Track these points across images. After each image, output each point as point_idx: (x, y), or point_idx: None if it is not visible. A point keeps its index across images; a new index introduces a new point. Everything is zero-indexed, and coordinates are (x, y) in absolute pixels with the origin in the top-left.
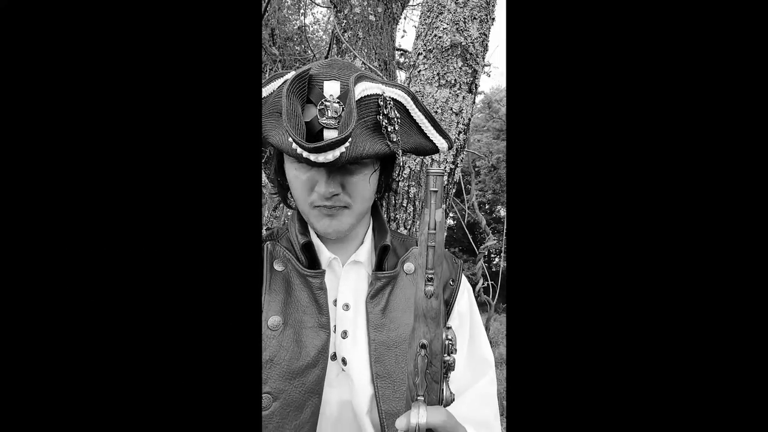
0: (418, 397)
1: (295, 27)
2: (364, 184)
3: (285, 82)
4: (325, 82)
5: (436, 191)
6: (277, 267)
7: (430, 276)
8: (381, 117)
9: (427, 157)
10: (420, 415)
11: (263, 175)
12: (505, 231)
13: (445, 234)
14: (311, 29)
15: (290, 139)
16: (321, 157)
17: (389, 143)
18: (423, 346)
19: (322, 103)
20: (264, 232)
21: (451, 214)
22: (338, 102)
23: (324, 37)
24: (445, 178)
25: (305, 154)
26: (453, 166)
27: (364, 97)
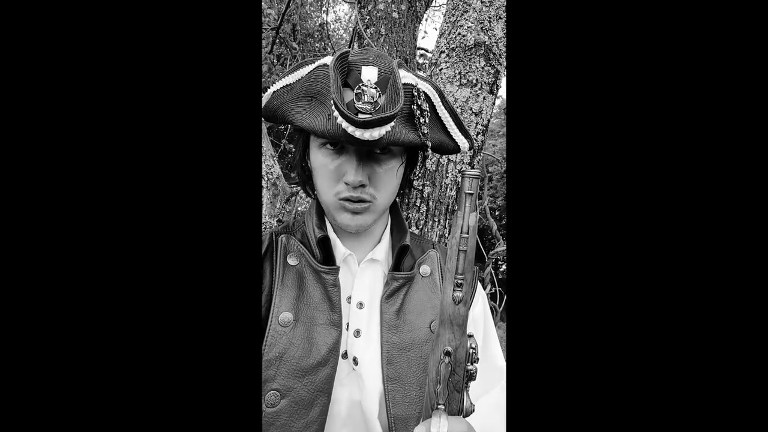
0: (439, 406)
1: (317, 24)
2: (391, 176)
3: (319, 66)
4: (363, 67)
5: (471, 194)
6: (291, 261)
7: (459, 281)
8: (415, 107)
9: (443, 156)
10: (441, 424)
11: (277, 167)
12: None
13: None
14: (332, 27)
15: (336, 114)
16: (367, 134)
17: (421, 134)
18: (447, 354)
19: (360, 87)
20: (275, 224)
21: None
22: (375, 88)
23: (345, 36)
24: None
25: (350, 129)
26: (469, 168)
27: (401, 84)
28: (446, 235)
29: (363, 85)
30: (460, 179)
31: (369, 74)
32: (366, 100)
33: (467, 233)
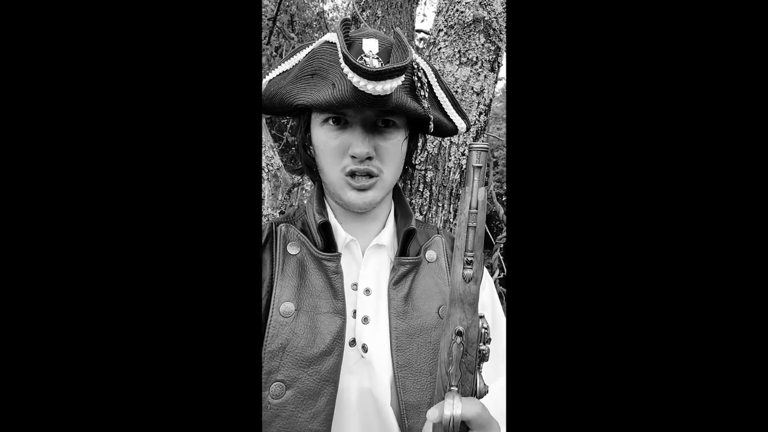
0: (452, 387)
1: (315, 13)
2: (396, 150)
3: (316, 47)
4: (363, 39)
5: (480, 167)
6: (291, 250)
7: (469, 259)
8: (416, 79)
9: (445, 139)
10: (455, 406)
11: (278, 158)
12: (505, 226)
13: (486, 214)
14: (330, 16)
15: (345, 69)
16: (379, 86)
17: (423, 107)
18: (459, 333)
19: (361, 57)
20: (277, 215)
21: None
22: (377, 58)
23: None
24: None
25: (362, 83)
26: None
27: (407, 43)
28: (451, 220)
29: (365, 56)
30: (467, 153)
31: (370, 45)
32: None
33: (476, 208)
